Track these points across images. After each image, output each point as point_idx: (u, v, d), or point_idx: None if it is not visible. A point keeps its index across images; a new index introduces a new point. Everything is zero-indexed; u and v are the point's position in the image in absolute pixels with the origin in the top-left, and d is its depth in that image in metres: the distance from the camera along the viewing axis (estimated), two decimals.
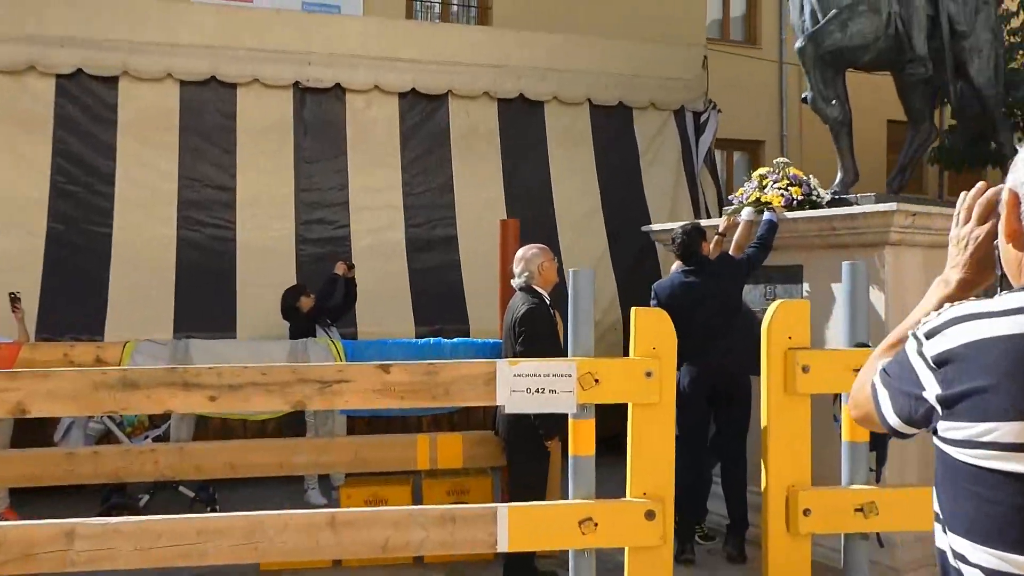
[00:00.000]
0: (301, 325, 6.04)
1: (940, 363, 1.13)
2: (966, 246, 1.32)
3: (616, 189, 8.31)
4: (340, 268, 6.40)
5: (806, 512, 3.23)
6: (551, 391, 3.04)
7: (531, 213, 7.07)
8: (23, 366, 4.44)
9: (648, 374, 3.06)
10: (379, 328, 6.88)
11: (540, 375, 3.03)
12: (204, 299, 6.82)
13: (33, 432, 5.41)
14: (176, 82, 7.33)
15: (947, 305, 1.22)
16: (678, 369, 3.58)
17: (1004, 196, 1.21)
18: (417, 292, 7.37)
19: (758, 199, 5.16)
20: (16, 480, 4.67)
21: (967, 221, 1.33)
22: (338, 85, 7.71)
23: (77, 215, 6.96)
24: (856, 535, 3.30)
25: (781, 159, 5.25)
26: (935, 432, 1.16)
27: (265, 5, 8.77)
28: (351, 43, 7.79)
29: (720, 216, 5.96)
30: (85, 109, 7.18)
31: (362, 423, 6.20)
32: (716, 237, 5.28)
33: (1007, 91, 6.48)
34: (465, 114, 8.07)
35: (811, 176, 5.14)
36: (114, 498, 5.37)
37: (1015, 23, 10.23)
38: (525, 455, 4.22)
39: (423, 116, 8.00)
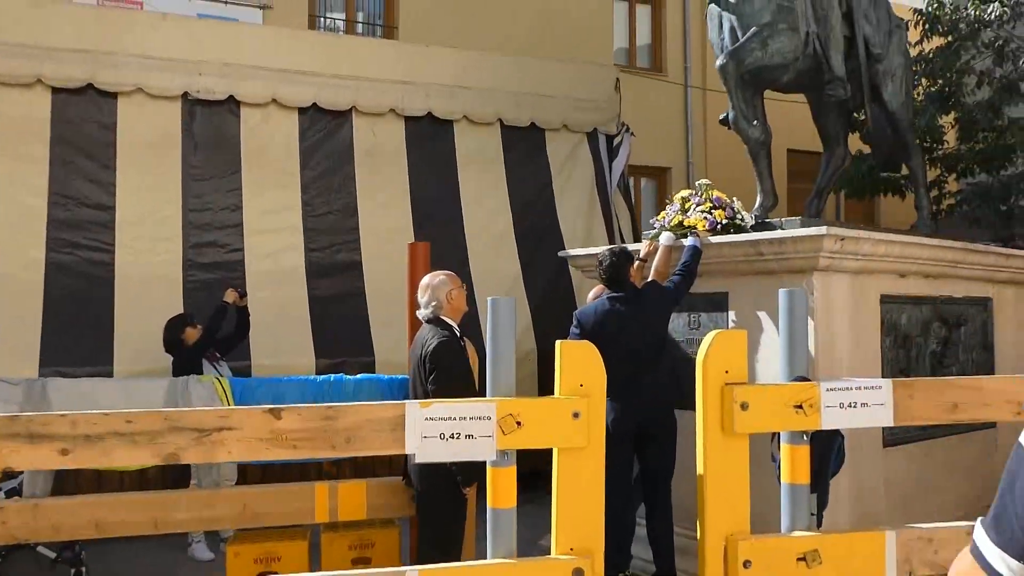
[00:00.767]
0: (185, 360, 5.47)
1: None
2: None
3: (528, 212, 8.03)
4: (230, 296, 5.88)
5: (746, 564, 2.95)
6: (467, 436, 2.68)
7: (440, 237, 6.67)
8: None
9: (575, 415, 2.73)
10: (276, 361, 6.36)
11: (455, 418, 2.66)
12: (76, 331, 6.12)
13: None
14: (47, 88, 6.61)
15: None
16: None
17: None
18: (318, 321, 6.84)
19: (680, 222, 4.94)
20: None
21: None
22: (232, 97, 7.13)
23: None
24: None
25: (704, 180, 5.06)
26: None
27: (157, 9, 8.15)
28: (247, 52, 7.22)
29: (635, 241, 5.74)
30: None
31: (255, 468, 5.62)
32: (637, 263, 5.04)
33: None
34: (370, 132, 7.62)
35: (735, 199, 4.95)
36: None
37: (913, 53, 10.55)
38: (439, 505, 3.78)
39: (325, 133, 7.51)
